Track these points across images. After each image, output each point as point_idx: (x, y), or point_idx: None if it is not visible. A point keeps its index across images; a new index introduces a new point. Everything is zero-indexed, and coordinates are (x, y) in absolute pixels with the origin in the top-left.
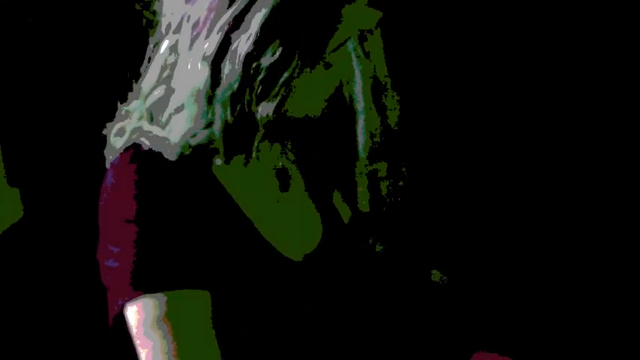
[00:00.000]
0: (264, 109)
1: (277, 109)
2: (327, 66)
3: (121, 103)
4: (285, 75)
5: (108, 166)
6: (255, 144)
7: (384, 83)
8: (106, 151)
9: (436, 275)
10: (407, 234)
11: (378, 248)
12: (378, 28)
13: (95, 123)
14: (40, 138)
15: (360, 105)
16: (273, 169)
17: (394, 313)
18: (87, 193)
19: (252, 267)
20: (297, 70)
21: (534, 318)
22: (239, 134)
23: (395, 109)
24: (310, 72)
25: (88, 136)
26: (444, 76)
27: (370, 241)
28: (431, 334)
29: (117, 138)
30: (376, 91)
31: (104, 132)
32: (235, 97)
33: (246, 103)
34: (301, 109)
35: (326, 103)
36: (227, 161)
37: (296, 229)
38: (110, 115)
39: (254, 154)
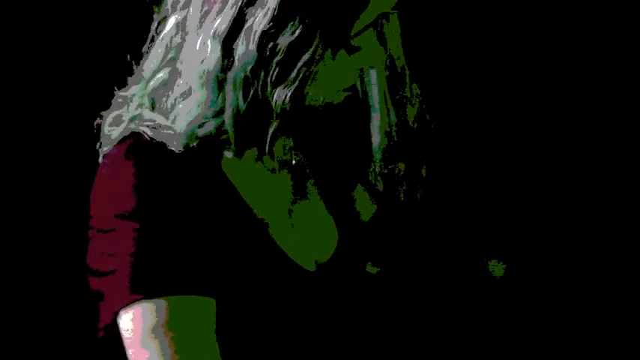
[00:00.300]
0: (280, 96)
1: (294, 96)
2: (352, 50)
3: (119, 89)
4: (305, 57)
5: (101, 159)
6: (269, 135)
7: (401, 74)
8: (99, 143)
9: (497, 269)
10: (424, 241)
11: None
12: (396, 12)
13: (88, 112)
14: (23, 129)
15: (374, 99)
16: (287, 166)
17: (411, 326)
18: (75, 190)
19: (262, 275)
20: (318, 52)
21: (548, 321)
22: (252, 124)
23: (414, 104)
24: (332, 55)
25: (80, 128)
26: (468, 67)
27: (385, 250)
28: (448, 342)
29: (113, 127)
30: (393, 83)
31: (98, 122)
32: (249, 81)
33: (260, 88)
34: (320, 98)
35: (346, 94)
36: (238, 154)
37: (310, 235)
38: (105, 104)
39: (267, 147)
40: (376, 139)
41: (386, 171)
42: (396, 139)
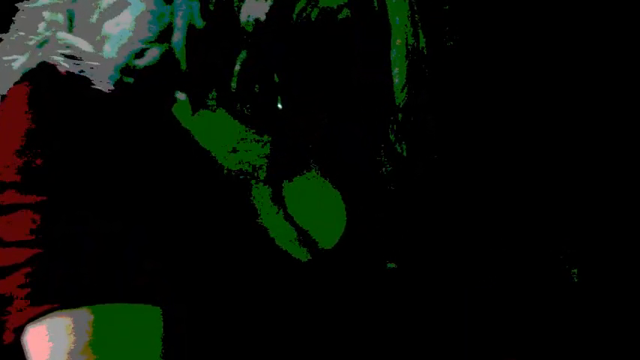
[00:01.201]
0: (253, 10)
1: (272, 12)
2: None
3: (21, 1)
4: None
5: None
6: (236, 68)
7: None
8: None
9: None
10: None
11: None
12: None
13: None
14: None
15: (393, 14)
16: (268, 114)
17: (411, 325)
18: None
19: (236, 266)
20: None
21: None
22: (213, 49)
23: (448, 25)
24: None
25: None
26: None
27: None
28: (448, 342)
29: (12, 57)
30: None
31: None
32: None
33: None
34: (313, 9)
35: (349, 11)
36: (193, 95)
37: (308, 211)
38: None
39: (235, 86)
40: (396, 71)
41: (410, 124)
42: (422, 71)
